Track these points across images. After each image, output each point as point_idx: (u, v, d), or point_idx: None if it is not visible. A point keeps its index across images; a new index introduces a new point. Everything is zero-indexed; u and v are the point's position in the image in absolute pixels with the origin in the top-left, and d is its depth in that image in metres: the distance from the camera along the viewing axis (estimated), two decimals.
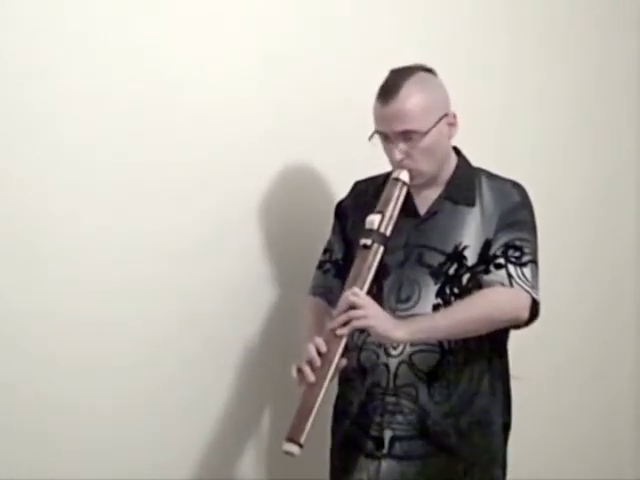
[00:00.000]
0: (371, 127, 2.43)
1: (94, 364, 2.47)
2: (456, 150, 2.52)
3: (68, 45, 2.42)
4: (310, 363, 2.26)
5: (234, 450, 2.77)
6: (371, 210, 2.39)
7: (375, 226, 2.36)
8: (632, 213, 3.67)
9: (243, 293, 2.73)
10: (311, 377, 2.24)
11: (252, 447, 2.78)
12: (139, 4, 2.55)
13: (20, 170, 2.37)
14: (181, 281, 2.62)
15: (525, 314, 2.38)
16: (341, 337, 2.28)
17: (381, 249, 2.35)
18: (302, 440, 2.21)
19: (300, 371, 2.27)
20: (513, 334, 2.52)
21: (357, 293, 2.29)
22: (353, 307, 2.28)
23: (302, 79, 2.81)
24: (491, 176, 2.50)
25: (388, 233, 2.37)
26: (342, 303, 2.30)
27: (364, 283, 2.32)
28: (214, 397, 2.70)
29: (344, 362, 2.31)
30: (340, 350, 2.28)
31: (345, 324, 2.27)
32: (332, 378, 2.29)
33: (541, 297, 2.42)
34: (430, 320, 2.36)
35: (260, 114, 2.74)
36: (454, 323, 2.34)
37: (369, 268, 2.33)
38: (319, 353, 2.26)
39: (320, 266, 2.58)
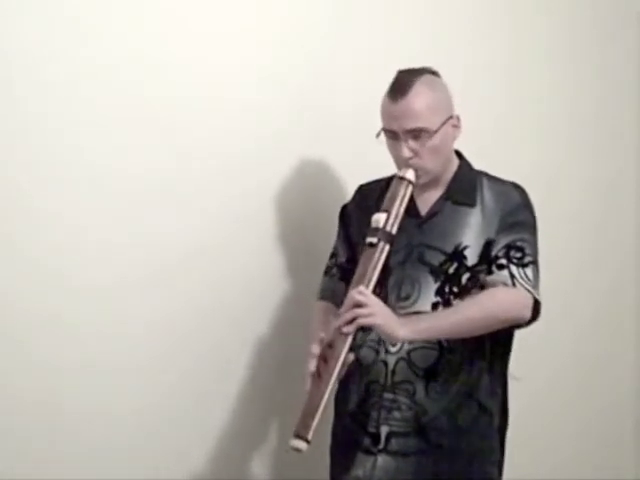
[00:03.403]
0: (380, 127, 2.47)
1: (102, 365, 2.48)
2: (458, 153, 2.54)
3: (74, 48, 2.43)
4: (315, 361, 2.27)
5: (241, 448, 2.78)
6: (376, 210, 2.40)
7: (381, 224, 2.36)
8: (632, 213, 3.67)
9: (257, 289, 2.74)
10: (312, 367, 2.25)
11: (262, 445, 2.80)
12: (155, 6, 2.56)
13: (24, 170, 2.37)
14: (195, 278, 2.62)
15: (527, 313, 2.39)
16: (347, 335, 2.28)
17: (387, 247, 2.35)
18: (309, 436, 2.21)
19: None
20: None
21: (363, 291, 2.30)
22: (359, 305, 2.28)
23: (314, 81, 2.84)
24: (492, 178, 2.51)
25: (394, 231, 2.37)
26: (348, 301, 2.30)
27: (370, 281, 2.32)
28: (227, 392, 2.70)
29: (351, 357, 2.31)
30: (346, 347, 2.28)
31: (351, 322, 2.28)
32: (339, 375, 2.29)
33: (542, 297, 2.43)
34: (434, 319, 2.37)
35: (274, 113, 2.75)
36: (458, 322, 2.35)
37: (375, 266, 2.33)
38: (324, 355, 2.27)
39: (327, 271, 2.60)
